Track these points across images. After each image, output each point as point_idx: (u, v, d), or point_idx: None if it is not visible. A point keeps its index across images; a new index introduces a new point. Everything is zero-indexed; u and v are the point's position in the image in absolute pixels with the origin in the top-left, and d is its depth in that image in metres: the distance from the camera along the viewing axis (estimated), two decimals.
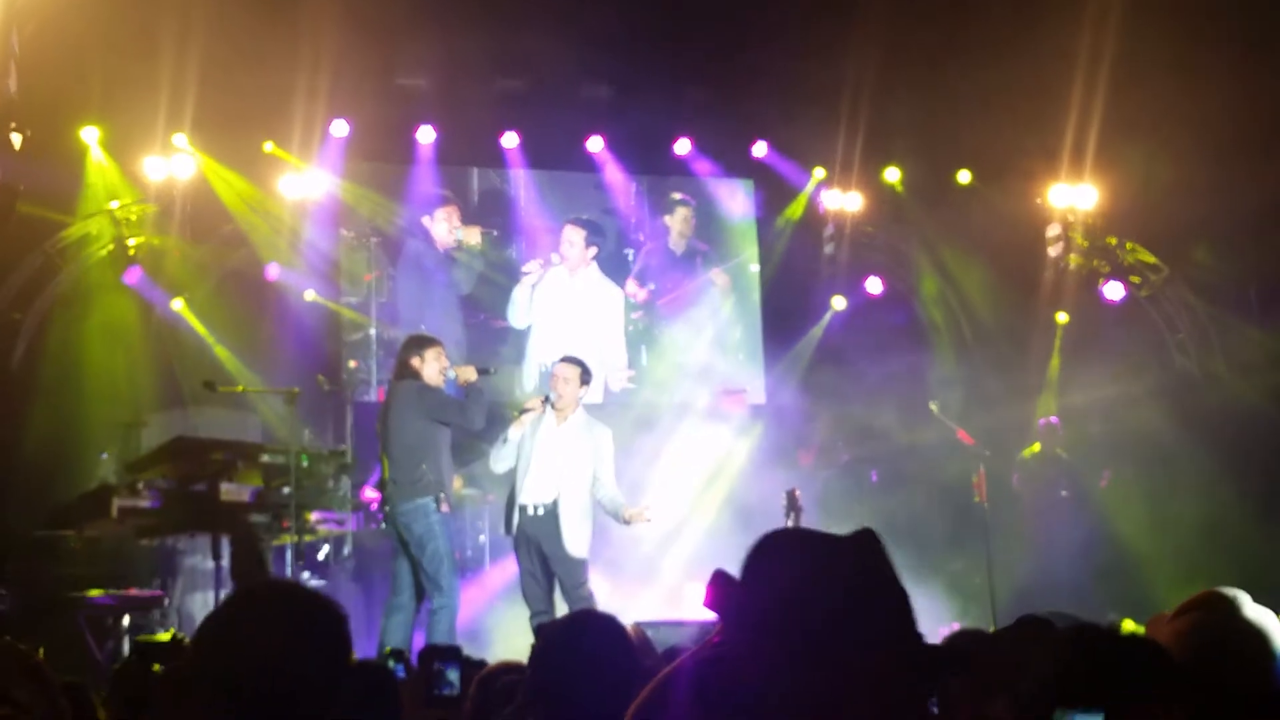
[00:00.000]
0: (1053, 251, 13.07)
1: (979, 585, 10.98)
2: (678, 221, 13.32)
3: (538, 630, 7.39)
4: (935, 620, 10.09)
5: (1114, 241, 12.99)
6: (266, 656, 2.14)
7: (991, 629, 8.77)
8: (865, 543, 1.83)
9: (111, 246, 11.50)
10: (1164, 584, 10.44)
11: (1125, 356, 12.69)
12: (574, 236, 12.64)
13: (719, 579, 1.75)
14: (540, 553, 8.19)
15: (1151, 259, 12.89)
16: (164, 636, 6.02)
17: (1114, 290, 12.90)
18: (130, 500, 8.29)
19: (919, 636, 1.83)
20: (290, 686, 2.12)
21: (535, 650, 3.29)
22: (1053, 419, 12.35)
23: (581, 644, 3.13)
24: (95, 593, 9.14)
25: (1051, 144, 12.25)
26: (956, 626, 9.19)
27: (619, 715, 2.01)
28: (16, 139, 9.60)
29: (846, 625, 1.72)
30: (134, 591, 9.46)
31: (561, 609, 8.12)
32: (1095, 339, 12.92)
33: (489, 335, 12.70)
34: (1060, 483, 12.11)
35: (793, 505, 8.23)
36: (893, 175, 13.20)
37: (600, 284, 12.85)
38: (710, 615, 1.82)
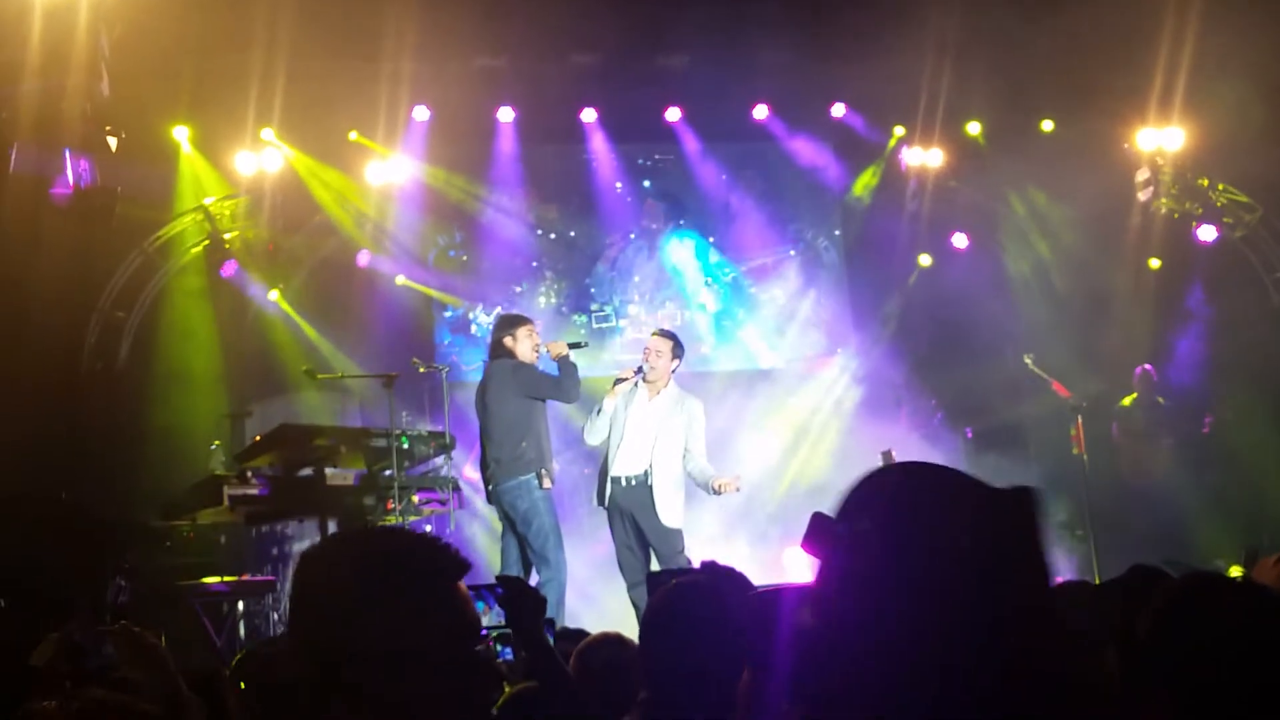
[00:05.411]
0: (1142, 196, 12.80)
1: (1081, 537, 10.90)
2: (756, 188, 13.32)
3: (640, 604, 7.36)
4: None
5: (1205, 183, 12.71)
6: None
7: (1095, 580, 8.75)
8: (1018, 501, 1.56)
9: (207, 242, 11.73)
10: (1272, 528, 10.28)
11: (1221, 299, 12.46)
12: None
13: (817, 521, 1.63)
14: (635, 524, 8.21)
15: (1244, 198, 12.60)
16: None
17: (1207, 232, 12.62)
18: (240, 489, 8.42)
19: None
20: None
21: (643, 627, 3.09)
22: (1148, 366, 12.15)
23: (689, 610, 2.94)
24: (210, 580, 9.39)
25: (1137, 86, 11.98)
26: (1060, 580, 9.15)
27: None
28: (112, 142, 9.83)
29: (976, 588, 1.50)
30: (247, 577, 9.71)
31: None
32: (1190, 283, 12.69)
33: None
34: (1161, 430, 11.94)
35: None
36: (974, 128, 13.02)
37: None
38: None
